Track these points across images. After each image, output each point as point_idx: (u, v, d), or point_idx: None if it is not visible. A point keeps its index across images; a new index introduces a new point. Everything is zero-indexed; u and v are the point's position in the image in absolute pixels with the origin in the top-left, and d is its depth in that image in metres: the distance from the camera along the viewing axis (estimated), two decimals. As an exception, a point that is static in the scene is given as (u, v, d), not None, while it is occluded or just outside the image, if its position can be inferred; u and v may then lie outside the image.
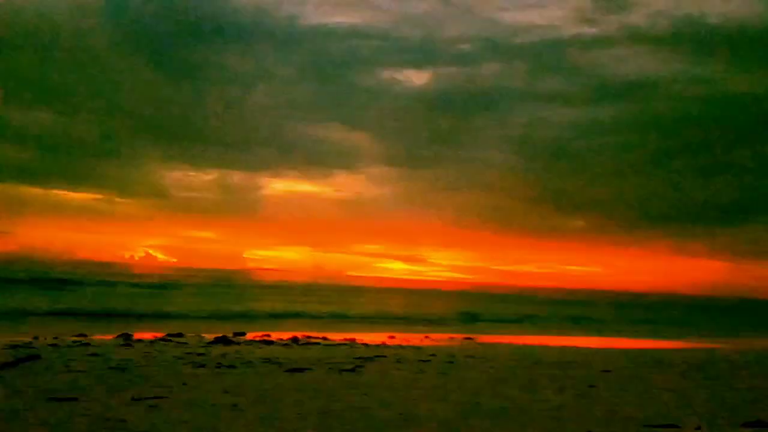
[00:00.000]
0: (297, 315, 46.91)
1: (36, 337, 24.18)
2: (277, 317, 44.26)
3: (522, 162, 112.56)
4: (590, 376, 18.18)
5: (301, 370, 17.36)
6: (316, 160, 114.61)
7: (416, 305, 69.93)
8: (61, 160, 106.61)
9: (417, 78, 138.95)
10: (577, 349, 28.82)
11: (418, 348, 26.38)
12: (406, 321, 46.96)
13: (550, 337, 37.33)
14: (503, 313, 62.07)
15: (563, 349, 28.51)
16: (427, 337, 33.37)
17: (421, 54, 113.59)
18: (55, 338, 24.36)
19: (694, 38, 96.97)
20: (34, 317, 34.91)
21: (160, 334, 27.43)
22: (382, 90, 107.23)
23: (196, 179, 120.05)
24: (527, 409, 12.48)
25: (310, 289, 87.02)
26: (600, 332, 44.98)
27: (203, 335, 27.83)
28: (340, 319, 45.87)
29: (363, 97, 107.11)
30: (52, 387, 13.46)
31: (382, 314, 52.47)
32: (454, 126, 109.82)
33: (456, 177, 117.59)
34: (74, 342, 23.27)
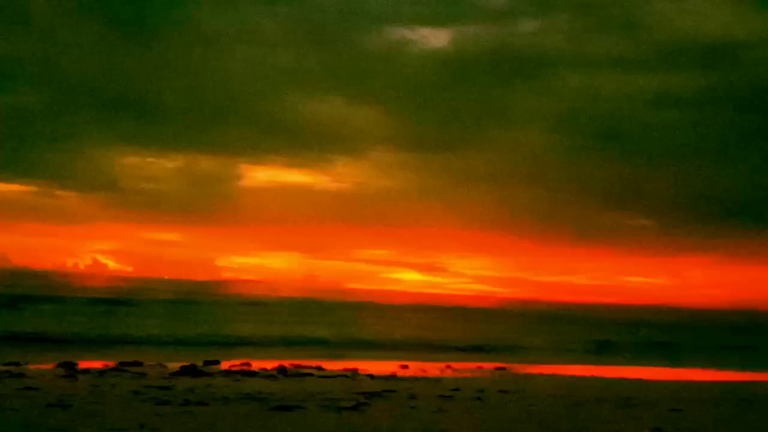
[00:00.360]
0: (284, 339, 47.08)
1: (-45, 367, 24.32)
2: (260, 342, 44.43)
3: (568, 144, 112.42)
4: (656, 416, 18.19)
5: (289, 408, 17.41)
6: (309, 142, 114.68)
7: (435, 327, 69.97)
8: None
9: (435, 38, 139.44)
10: (638, 383, 28.82)
11: (437, 380, 26.42)
12: (422, 346, 47.07)
13: (603, 368, 37.34)
14: (544, 337, 62.01)
15: (621, 382, 28.52)
16: (448, 366, 33.46)
17: (440, 7, 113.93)
18: (-20, 368, 24.49)
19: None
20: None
21: (111, 363, 27.56)
22: (392, 53, 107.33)
23: (157, 167, 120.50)
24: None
25: (300, 306, 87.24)
26: (668, 361, 44.99)
27: (166, 364, 27.93)
28: (339, 344, 46.00)
29: (367, 63, 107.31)
30: (-24, 429, 13.56)
31: (392, 338, 52.60)
32: (482, 99, 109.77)
33: (484, 164, 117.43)
34: (4, 373, 23.40)
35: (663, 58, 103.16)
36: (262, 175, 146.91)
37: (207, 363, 29.06)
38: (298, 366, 29.38)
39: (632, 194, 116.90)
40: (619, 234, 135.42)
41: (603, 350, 53.48)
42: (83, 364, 26.95)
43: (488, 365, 34.85)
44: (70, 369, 25.55)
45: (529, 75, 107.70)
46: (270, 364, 29.21)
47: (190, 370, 25.85)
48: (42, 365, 26.65)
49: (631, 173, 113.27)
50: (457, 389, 23.02)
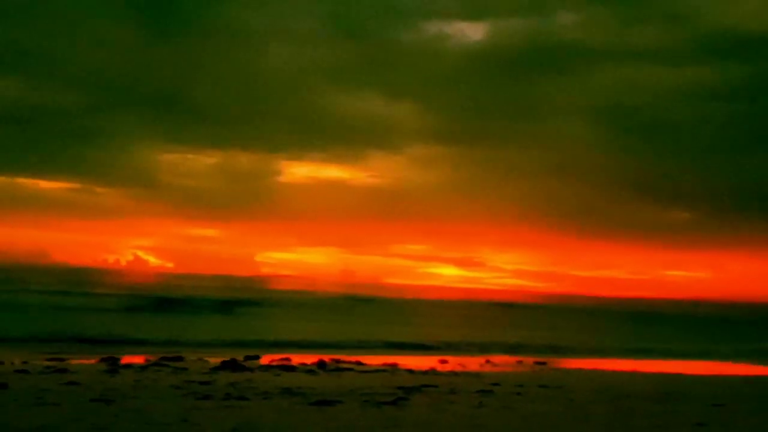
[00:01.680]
0: (323, 334, 47.12)
1: (1, 362, 24.63)
2: (299, 337, 44.52)
3: (607, 138, 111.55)
4: (698, 412, 18.03)
5: (329, 403, 17.46)
6: (346, 138, 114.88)
7: (473, 322, 69.82)
8: (28, 140, 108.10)
9: (472, 32, 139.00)
10: (680, 378, 28.59)
11: (477, 375, 26.37)
12: (461, 342, 46.96)
13: (644, 362, 37.08)
14: (584, 332, 61.68)
15: (662, 378, 28.30)
16: (488, 361, 33.38)
17: (477, 1, 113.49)
18: (25, 363, 24.80)
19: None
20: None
21: (153, 357, 27.78)
22: (428, 48, 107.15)
23: (196, 164, 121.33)
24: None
25: (339, 301, 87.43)
26: (710, 356, 44.56)
27: (207, 359, 28.13)
28: (378, 338, 46.01)
29: (405, 58, 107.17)
30: (21, 424, 13.70)
31: (430, 333, 52.50)
32: (519, 93, 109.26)
33: (522, 158, 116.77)
34: (48, 368, 23.66)
35: (700, 50, 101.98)
36: (299, 170, 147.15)
37: (247, 358, 29.18)
38: (338, 361, 29.43)
39: (673, 188, 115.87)
40: (660, 228, 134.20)
41: (641, 345, 53.03)
42: (125, 359, 27.19)
43: (527, 360, 34.72)
44: (112, 364, 25.79)
45: (566, 68, 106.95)
46: (309, 359, 29.28)
47: (230, 365, 25.99)
48: (85, 360, 26.93)
49: (672, 166, 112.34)
50: (496, 384, 22.95)
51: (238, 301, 75.60)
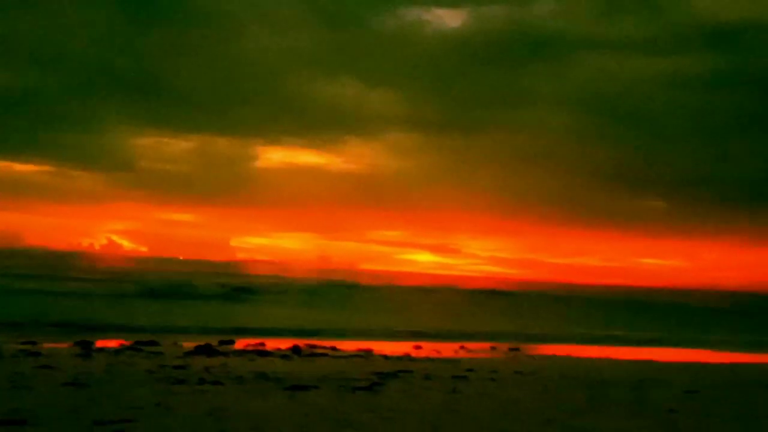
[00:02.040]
0: (298, 319, 47.15)
1: (-27, 345, 24.51)
2: (274, 322, 44.50)
3: (585, 127, 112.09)
4: (670, 398, 18.17)
5: (304, 388, 17.47)
6: (323, 123, 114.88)
7: (448, 308, 70.03)
8: (3, 123, 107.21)
9: (451, 19, 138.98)
10: (653, 365, 28.80)
11: (451, 361, 26.47)
12: (436, 327, 47.10)
13: (618, 349, 37.33)
14: (558, 319, 62.00)
15: (636, 365, 28.51)
16: (462, 347, 33.49)
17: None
18: (-3, 346, 24.68)
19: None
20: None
21: (127, 342, 27.73)
22: (407, 35, 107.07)
23: (172, 147, 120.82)
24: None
25: (314, 286, 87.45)
26: (683, 343, 44.90)
27: (181, 344, 28.08)
28: (353, 324, 46.06)
29: (382, 45, 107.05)
30: (-7, 407, 13.64)
31: (405, 319, 52.64)
32: (498, 81, 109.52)
33: (499, 146, 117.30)
34: (21, 351, 23.56)
35: (678, 41, 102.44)
36: (276, 156, 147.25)
37: (222, 342, 29.18)
38: (313, 346, 29.46)
39: (649, 177, 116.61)
40: (635, 216, 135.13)
41: (616, 332, 53.39)
42: (99, 343, 27.11)
43: (502, 346, 34.86)
44: (85, 347, 25.71)
45: (544, 57, 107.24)
46: (284, 344, 29.30)
47: (205, 350, 25.96)
48: (58, 344, 26.82)
49: (648, 156, 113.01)
50: (471, 370, 23.04)
51: (214, 287, 75.55)
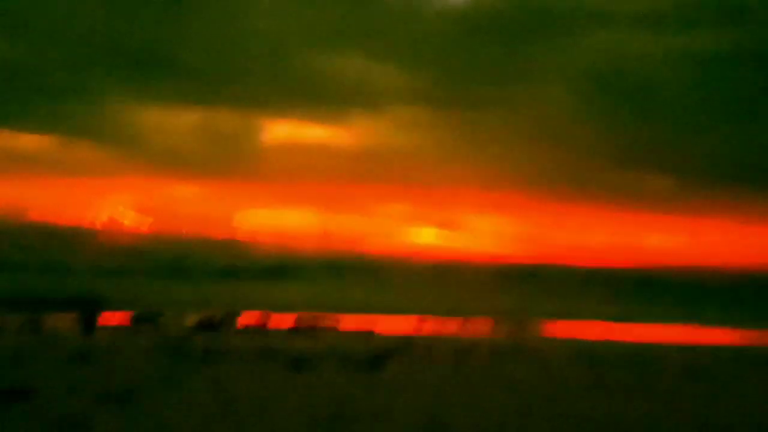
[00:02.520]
0: (300, 294, 47.30)
1: (-25, 321, 24.64)
2: (276, 298, 44.67)
3: (591, 104, 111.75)
4: (671, 377, 18.23)
5: (306, 363, 17.53)
6: (328, 97, 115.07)
7: (451, 285, 70.10)
8: (4, 94, 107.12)
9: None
10: (654, 345, 28.86)
11: (453, 338, 26.54)
12: (438, 304, 47.21)
13: (619, 326, 37.40)
14: (560, 297, 62.07)
15: (637, 345, 28.56)
16: (466, 323, 33.57)
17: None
18: (2, 320, 24.78)
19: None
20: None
21: (130, 317, 27.82)
22: (412, 10, 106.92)
23: (176, 121, 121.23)
24: (589, 418, 12.56)
25: (317, 261, 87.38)
26: (685, 321, 44.96)
27: (184, 320, 28.17)
28: (356, 300, 46.20)
29: (387, 19, 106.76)
30: (-2, 382, 13.72)
31: (409, 295, 52.77)
32: (504, 56, 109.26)
33: (505, 122, 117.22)
34: (25, 326, 23.66)
35: (688, 16, 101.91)
36: (280, 130, 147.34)
37: (225, 319, 29.24)
38: (315, 323, 29.52)
39: (656, 155, 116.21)
40: (641, 194, 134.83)
41: (618, 310, 53.51)
42: (103, 319, 27.20)
43: (505, 324, 34.95)
44: (89, 323, 25.78)
45: (552, 33, 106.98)
46: (286, 321, 29.37)
47: (207, 326, 26.04)
48: (62, 319, 26.93)
49: (656, 133, 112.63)
50: (474, 346, 23.11)
51: (218, 264, 75.66)
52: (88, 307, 32.10)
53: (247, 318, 30.34)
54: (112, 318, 27.86)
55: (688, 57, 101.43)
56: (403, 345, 23.00)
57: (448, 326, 32.09)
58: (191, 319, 27.84)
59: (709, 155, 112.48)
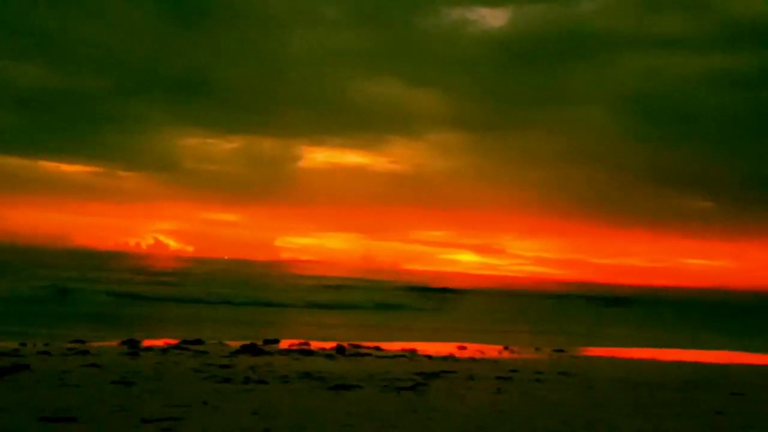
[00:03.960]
0: (342, 316, 47.32)
1: (23, 344, 24.89)
2: (318, 322, 44.72)
3: (630, 126, 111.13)
4: (717, 400, 18.01)
5: (348, 387, 17.53)
6: (367, 123, 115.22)
7: (492, 308, 69.87)
8: (51, 124, 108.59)
9: (494, 18, 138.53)
10: (699, 366, 28.50)
11: (495, 361, 26.39)
12: (480, 328, 47.02)
13: (664, 351, 36.99)
14: (602, 319, 61.59)
15: (681, 366, 28.23)
16: (507, 348, 33.36)
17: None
18: (47, 345, 25.03)
19: None
20: (17, 318, 35.93)
21: (173, 341, 27.97)
22: (450, 35, 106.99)
23: (217, 148, 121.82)
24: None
25: (358, 287, 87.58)
26: (730, 344, 44.38)
27: (226, 342, 28.28)
28: (397, 324, 46.14)
29: (426, 44, 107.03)
30: (43, 404, 13.84)
31: (449, 319, 52.64)
32: (542, 80, 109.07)
33: (543, 145, 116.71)
34: (69, 350, 23.87)
35: (726, 38, 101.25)
36: (320, 156, 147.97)
37: (267, 342, 29.32)
38: (357, 346, 29.50)
39: (696, 176, 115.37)
40: (682, 216, 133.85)
41: (661, 333, 52.93)
42: (146, 342, 27.39)
43: (546, 347, 34.68)
44: (133, 346, 25.98)
45: (589, 55, 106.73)
46: (328, 344, 29.37)
47: (250, 349, 26.11)
48: (106, 342, 27.14)
49: (695, 155, 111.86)
50: (515, 370, 22.96)
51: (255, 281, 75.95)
52: (133, 330, 32.36)
53: (288, 341, 30.35)
54: (156, 341, 28.01)
55: (728, 78, 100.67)
56: (445, 368, 22.91)
57: (490, 349, 31.87)
58: (234, 342, 27.90)
59: (750, 177, 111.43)
